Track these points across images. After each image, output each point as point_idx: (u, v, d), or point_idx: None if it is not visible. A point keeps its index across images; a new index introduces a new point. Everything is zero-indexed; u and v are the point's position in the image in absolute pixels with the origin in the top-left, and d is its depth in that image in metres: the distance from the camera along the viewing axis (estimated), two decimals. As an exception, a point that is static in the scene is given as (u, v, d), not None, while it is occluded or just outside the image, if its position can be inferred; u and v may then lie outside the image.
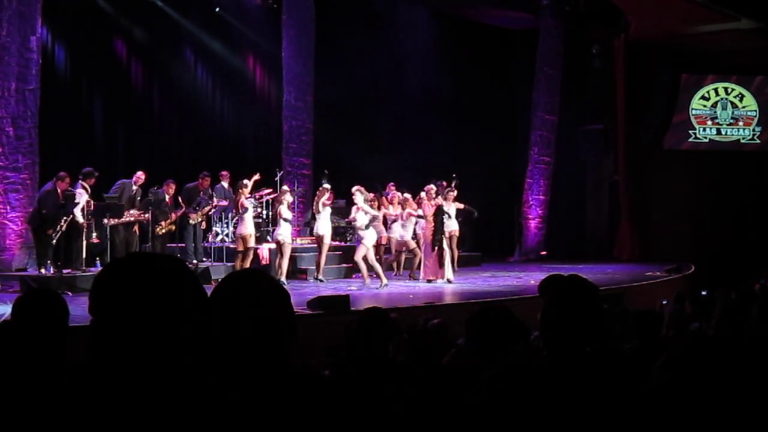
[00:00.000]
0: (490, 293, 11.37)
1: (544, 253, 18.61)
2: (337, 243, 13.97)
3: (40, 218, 10.98)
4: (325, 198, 12.40)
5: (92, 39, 15.48)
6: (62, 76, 15.27)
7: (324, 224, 12.39)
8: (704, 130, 19.95)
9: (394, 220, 13.40)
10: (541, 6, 18.32)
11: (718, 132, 19.95)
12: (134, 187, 12.56)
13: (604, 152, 20.25)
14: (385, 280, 11.84)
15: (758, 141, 19.88)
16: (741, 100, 19.90)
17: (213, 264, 12.86)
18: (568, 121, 19.18)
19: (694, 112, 19.90)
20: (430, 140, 18.08)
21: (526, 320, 3.51)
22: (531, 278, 12.95)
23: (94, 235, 11.71)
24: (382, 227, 13.59)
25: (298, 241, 13.81)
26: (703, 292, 11.38)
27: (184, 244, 13.14)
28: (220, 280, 1.98)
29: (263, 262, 12.99)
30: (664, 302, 10.08)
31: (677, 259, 16.25)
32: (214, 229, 13.74)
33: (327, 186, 12.68)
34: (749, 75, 19.85)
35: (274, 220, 12.96)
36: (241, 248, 12.12)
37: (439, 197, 12.93)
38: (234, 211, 12.92)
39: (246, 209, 12.06)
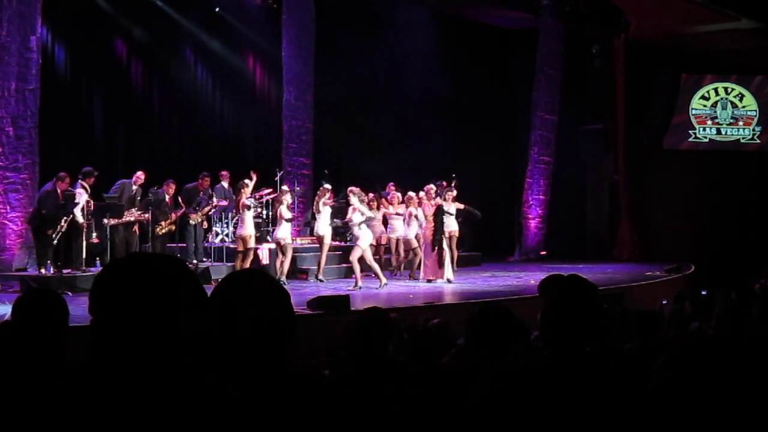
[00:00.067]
0: (490, 293, 11.36)
1: (544, 253, 18.61)
2: (336, 243, 13.97)
3: (40, 218, 10.97)
4: (326, 198, 12.40)
5: (92, 39, 15.49)
6: (62, 76, 15.27)
7: (324, 224, 12.40)
8: (704, 129, 19.95)
9: (401, 219, 13.41)
10: (541, 6, 18.33)
11: (718, 132, 19.95)
12: (134, 187, 12.55)
13: (604, 152, 20.26)
14: (384, 280, 11.84)
15: (758, 141, 19.88)
16: (741, 100, 19.90)
17: (213, 264, 12.86)
18: (568, 121, 19.18)
19: (694, 111, 19.90)
20: (430, 140, 18.08)
21: (526, 320, 3.51)
22: (531, 278, 12.95)
23: (94, 235, 11.71)
24: (382, 227, 13.60)
25: (298, 240, 13.82)
26: (703, 292, 11.40)
27: (184, 244, 13.14)
28: (220, 280, 1.98)
29: (263, 262, 12.99)
30: (664, 302, 10.09)
31: (677, 259, 16.25)
32: (214, 229, 13.75)
33: (328, 186, 12.68)
34: (749, 75, 19.85)
35: (274, 220, 12.96)
36: (241, 249, 12.12)
37: (439, 197, 12.94)
38: (234, 211, 12.92)
39: (248, 209, 12.09)
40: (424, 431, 3.21)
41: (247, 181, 12.40)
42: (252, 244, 12.20)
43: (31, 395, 1.72)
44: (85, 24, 15.24)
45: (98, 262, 11.95)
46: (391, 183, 14.59)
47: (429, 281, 12.53)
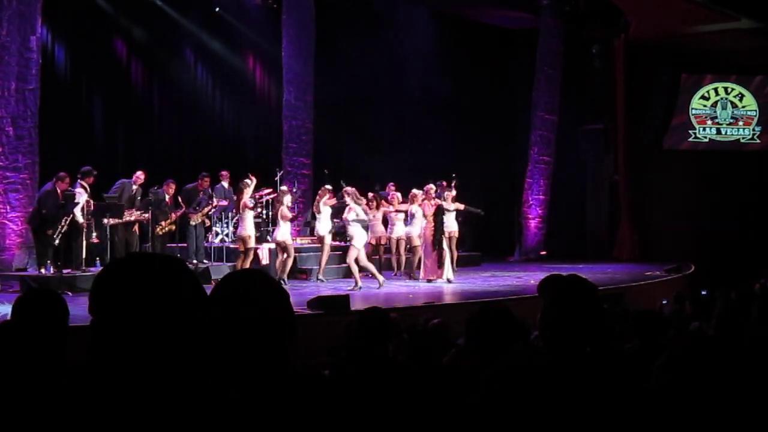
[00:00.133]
0: (490, 293, 11.37)
1: (544, 253, 18.61)
2: (337, 243, 13.97)
3: (40, 218, 10.97)
4: (326, 198, 12.40)
5: (92, 39, 15.49)
6: (62, 75, 15.27)
7: (325, 224, 12.41)
8: (704, 129, 19.95)
9: (401, 218, 13.43)
10: (541, 6, 18.33)
11: (718, 132, 19.95)
12: (134, 187, 12.55)
13: (604, 152, 20.26)
14: (381, 278, 11.83)
15: (758, 141, 19.88)
16: (741, 100, 19.90)
17: (213, 264, 12.86)
18: (568, 121, 19.18)
19: (694, 111, 19.90)
20: (430, 140, 18.08)
21: (526, 320, 3.51)
22: (531, 278, 12.95)
23: (94, 234, 11.71)
24: (382, 227, 13.60)
25: (298, 240, 13.83)
26: (703, 292, 11.40)
27: (184, 244, 13.14)
28: (218, 280, 1.98)
29: (263, 262, 12.99)
30: (664, 302, 10.09)
31: (677, 259, 16.25)
32: (214, 229, 13.75)
33: (328, 187, 12.69)
34: (749, 75, 19.85)
35: (274, 220, 12.97)
36: (242, 249, 12.15)
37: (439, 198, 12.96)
38: (235, 210, 12.93)
39: (250, 208, 12.12)
40: (424, 431, 3.21)
41: (248, 180, 12.41)
42: (252, 244, 12.21)
43: (31, 395, 1.72)
44: (85, 24, 15.24)
45: (98, 262, 11.95)
46: (391, 183, 14.59)
47: (429, 281, 12.53)
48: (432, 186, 13.17)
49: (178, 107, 17.13)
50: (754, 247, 17.86)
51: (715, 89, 19.89)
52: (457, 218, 13.92)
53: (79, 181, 11.43)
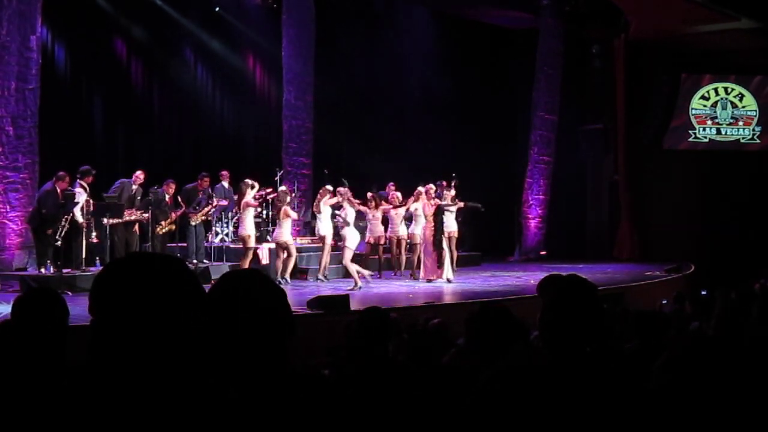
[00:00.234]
0: (490, 293, 11.37)
1: (543, 252, 18.62)
2: (334, 243, 13.97)
3: (39, 218, 10.97)
4: (327, 198, 12.41)
5: (92, 39, 15.48)
6: (62, 75, 15.26)
7: (325, 224, 12.43)
8: (704, 129, 19.95)
9: (401, 217, 13.44)
10: (541, 6, 18.33)
11: (718, 132, 19.96)
12: (134, 187, 12.55)
13: (604, 152, 20.26)
14: (360, 283, 11.78)
15: (758, 141, 19.88)
16: (741, 100, 19.90)
17: (213, 264, 12.86)
18: (568, 121, 19.19)
19: (694, 111, 19.90)
20: (430, 140, 18.08)
21: (526, 320, 3.50)
22: (531, 278, 12.95)
23: (94, 234, 11.70)
24: (381, 227, 13.60)
25: (298, 240, 13.83)
26: (703, 292, 11.41)
27: (184, 244, 13.14)
28: (216, 280, 1.98)
29: (263, 262, 13.00)
30: (664, 302, 10.10)
31: (677, 259, 16.25)
32: (214, 228, 13.75)
33: (329, 187, 12.70)
34: (748, 75, 19.85)
35: (274, 220, 12.98)
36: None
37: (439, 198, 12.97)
38: (235, 210, 12.95)
39: (255, 206, 12.19)
40: (424, 431, 3.21)
41: (248, 180, 12.43)
42: (252, 243, 12.22)
43: (31, 395, 1.72)
44: (85, 24, 15.24)
45: (98, 261, 11.95)
46: (391, 183, 14.59)
47: (429, 281, 12.54)
48: (432, 186, 13.17)
49: (178, 107, 17.13)
50: (754, 247, 17.86)
51: (715, 89, 19.89)
52: (456, 218, 13.92)
53: (78, 180, 11.43)
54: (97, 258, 11.99)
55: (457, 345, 4.54)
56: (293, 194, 13.72)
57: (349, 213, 12.19)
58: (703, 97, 19.89)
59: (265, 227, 14.05)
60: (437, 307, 9.46)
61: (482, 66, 19.28)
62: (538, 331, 2.55)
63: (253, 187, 12.28)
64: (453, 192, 13.58)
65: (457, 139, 18.48)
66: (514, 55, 20.01)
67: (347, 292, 10.67)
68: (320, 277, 12.59)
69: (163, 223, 12.50)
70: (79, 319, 3.23)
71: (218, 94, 17.88)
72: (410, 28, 18.44)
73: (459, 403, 2.85)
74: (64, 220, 10.80)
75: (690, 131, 19.89)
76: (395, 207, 13.51)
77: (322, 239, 12.56)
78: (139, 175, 12.61)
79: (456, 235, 13.97)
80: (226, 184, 13.70)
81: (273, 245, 12.72)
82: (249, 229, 12.12)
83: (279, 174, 14.78)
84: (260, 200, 13.36)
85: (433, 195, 12.94)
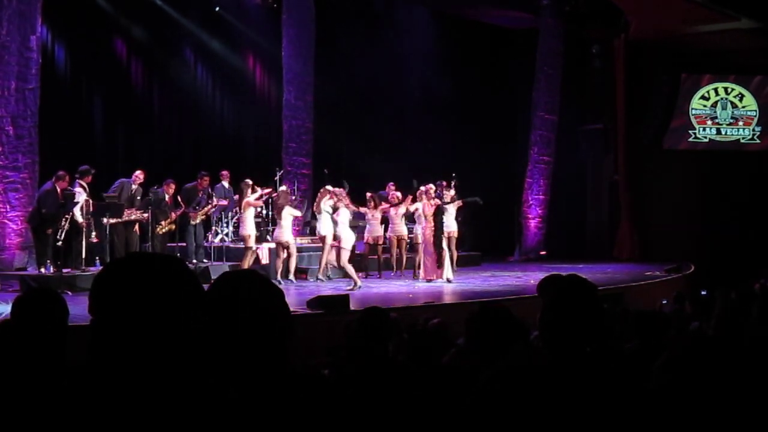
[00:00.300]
0: (490, 293, 11.36)
1: (543, 252, 18.62)
2: (337, 244, 13.97)
3: (39, 217, 10.97)
4: (326, 198, 12.42)
5: (92, 38, 15.49)
6: (62, 75, 15.27)
7: (325, 225, 12.43)
8: (704, 129, 19.95)
9: (402, 217, 13.46)
10: (541, 6, 18.34)
11: (718, 132, 19.96)
12: (134, 186, 12.55)
13: (604, 152, 20.26)
14: (359, 282, 11.81)
15: (758, 141, 19.88)
16: (741, 100, 19.90)
17: (213, 264, 12.86)
18: (568, 121, 19.19)
19: (694, 111, 19.90)
20: (430, 140, 18.08)
21: (526, 320, 3.50)
22: (531, 278, 12.94)
23: (94, 234, 11.70)
24: (380, 227, 13.60)
25: (298, 240, 13.83)
26: (703, 292, 11.41)
27: (184, 244, 13.14)
28: (213, 280, 1.98)
29: (263, 262, 13.00)
30: (664, 302, 10.10)
31: (677, 259, 16.25)
32: (213, 228, 13.75)
33: (329, 187, 12.70)
34: (748, 75, 19.85)
35: (274, 220, 12.98)
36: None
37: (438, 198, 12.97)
38: (236, 209, 12.96)
39: (252, 207, 12.19)
40: (424, 431, 3.21)
41: (248, 181, 12.45)
42: (252, 243, 12.22)
43: (31, 395, 1.72)
44: (85, 24, 15.25)
45: (98, 261, 11.95)
46: (391, 183, 14.58)
47: (429, 281, 12.54)
48: (432, 186, 13.17)
49: (178, 107, 17.14)
50: (754, 247, 17.86)
51: (715, 89, 19.89)
52: (456, 218, 13.91)
53: (77, 180, 11.42)
54: (97, 258, 11.99)
55: (457, 345, 4.54)
56: (293, 194, 13.72)
57: (343, 214, 12.20)
58: (703, 97, 19.88)
59: (265, 227, 14.05)
60: (437, 307, 9.45)
61: (482, 66, 19.28)
62: (538, 331, 2.55)
63: (254, 190, 12.31)
64: (453, 192, 13.58)
65: (457, 139, 18.48)
66: (514, 55, 20.01)
67: (347, 292, 10.67)
68: (320, 277, 12.59)
69: (163, 222, 12.49)
70: (79, 319, 3.23)
71: (218, 94, 17.88)
72: (410, 28, 18.44)
73: (459, 403, 2.85)
74: (64, 219, 10.79)
75: (690, 131, 19.89)
76: (394, 206, 13.51)
77: (322, 239, 12.57)
78: (139, 174, 12.61)
79: (456, 235, 13.96)
80: (226, 183, 13.70)
81: (273, 245, 12.73)
82: (249, 228, 12.13)
83: (279, 174, 14.78)
84: (265, 200, 13.37)
85: (433, 195, 12.94)
